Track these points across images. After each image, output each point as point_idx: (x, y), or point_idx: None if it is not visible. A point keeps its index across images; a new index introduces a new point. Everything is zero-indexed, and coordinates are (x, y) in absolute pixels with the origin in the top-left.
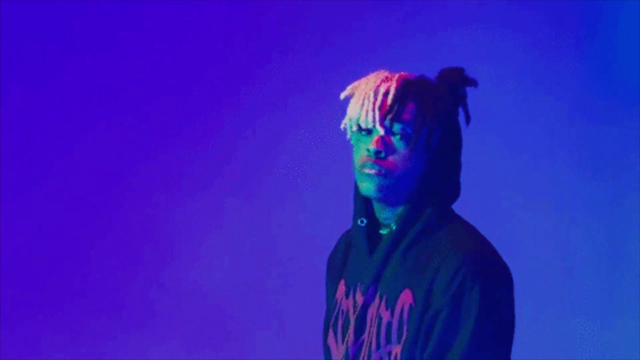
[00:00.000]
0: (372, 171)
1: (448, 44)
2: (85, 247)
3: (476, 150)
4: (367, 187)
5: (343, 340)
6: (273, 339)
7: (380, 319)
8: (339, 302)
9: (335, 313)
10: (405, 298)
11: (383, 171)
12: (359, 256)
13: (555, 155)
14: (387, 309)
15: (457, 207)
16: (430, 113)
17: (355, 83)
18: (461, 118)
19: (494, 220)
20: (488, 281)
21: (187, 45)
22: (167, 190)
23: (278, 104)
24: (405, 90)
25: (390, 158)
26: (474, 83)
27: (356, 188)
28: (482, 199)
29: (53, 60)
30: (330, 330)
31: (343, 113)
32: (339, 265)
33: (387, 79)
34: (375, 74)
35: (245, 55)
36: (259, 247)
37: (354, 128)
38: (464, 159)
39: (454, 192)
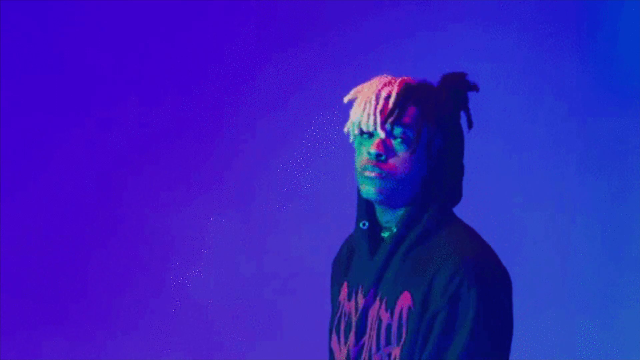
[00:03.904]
0: (373, 174)
1: (448, 42)
2: (85, 248)
3: (476, 150)
4: (368, 190)
5: (345, 342)
6: (275, 343)
7: (380, 320)
8: (341, 304)
9: (338, 315)
10: (404, 300)
11: (383, 174)
12: (361, 259)
13: (555, 156)
14: (387, 310)
15: (458, 207)
16: (431, 117)
17: (359, 87)
18: (463, 122)
19: (494, 221)
20: (485, 284)
21: (188, 45)
22: (167, 192)
23: (279, 107)
24: (407, 94)
25: (391, 161)
26: (475, 88)
27: (359, 191)
28: (483, 200)
29: (54, 61)
30: (333, 333)
31: (346, 116)
32: (343, 268)
33: (389, 83)
34: (378, 78)
35: (247, 56)
36: (262, 250)
37: (356, 132)
38: (466, 159)
39: (456, 195)
